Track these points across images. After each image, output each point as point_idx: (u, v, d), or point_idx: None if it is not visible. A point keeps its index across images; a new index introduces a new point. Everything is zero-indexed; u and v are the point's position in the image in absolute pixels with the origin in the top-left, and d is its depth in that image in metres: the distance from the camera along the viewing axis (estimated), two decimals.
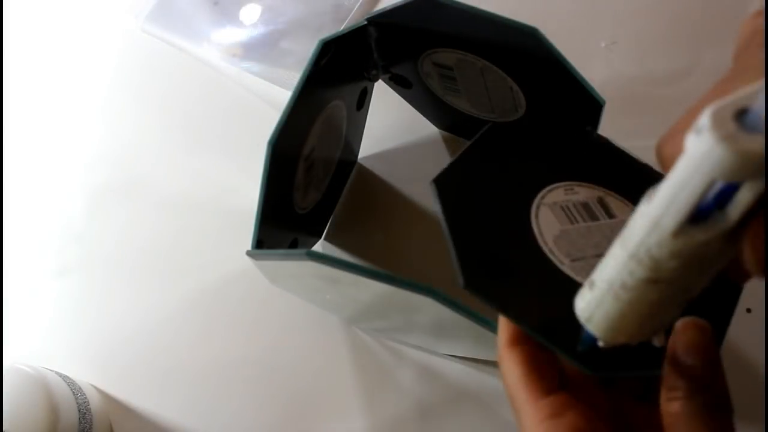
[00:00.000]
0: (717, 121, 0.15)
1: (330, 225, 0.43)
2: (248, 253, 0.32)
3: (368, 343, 0.40)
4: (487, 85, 0.37)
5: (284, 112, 0.32)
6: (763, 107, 0.15)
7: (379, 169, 0.45)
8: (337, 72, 0.36)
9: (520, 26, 0.30)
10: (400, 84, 0.41)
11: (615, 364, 0.24)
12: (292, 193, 0.36)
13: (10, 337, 0.42)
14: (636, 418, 0.25)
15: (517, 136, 0.34)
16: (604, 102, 0.32)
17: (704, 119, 0.16)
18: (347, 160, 0.44)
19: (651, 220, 0.18)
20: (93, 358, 0.41)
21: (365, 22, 0.35)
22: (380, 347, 0.40)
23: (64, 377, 0.37)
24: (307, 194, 0.38)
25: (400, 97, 0.43)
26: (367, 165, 0.45)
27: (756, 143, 0.15)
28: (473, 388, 0.38)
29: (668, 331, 0.23)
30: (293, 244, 0.38)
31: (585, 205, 0.30)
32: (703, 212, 0.18)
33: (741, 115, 0.16)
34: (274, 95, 0.48)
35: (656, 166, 0.28)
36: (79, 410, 0.35)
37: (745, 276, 0.19)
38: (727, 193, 0.17)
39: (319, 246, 0.43)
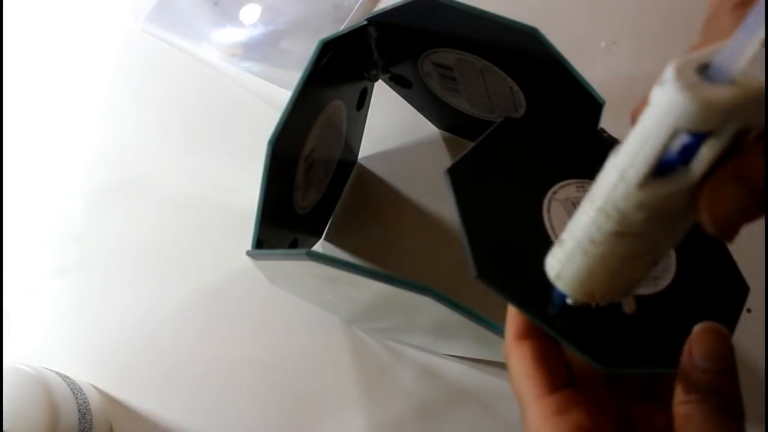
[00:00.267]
0: (680, 73, 0.16)
1: (330, 225, 0.43)
2: (248, 253, 0.32)
3: (368, 343, 0.40)
4: (487, 85, 0.37)
5: (284, 112, 0.32)
6: (724, 61, 0.16)
7: (379, 169, 0.45)
8: (337, 72, 0.36)
9: (520, 26, 0.30)
10: (400, 84, 0.41)
11: (625, 359, 0.24)
12: (292, 193, 0.36)
13: (10, 337, 0.42)
14: (639, 416, 0.25)
15: (529, 132, 0.34)
16: (604, 102, 0.32)
17: (668, 72, 0.16)
18: (347, 160, 0.44)
19: (617, 172, 0.18)
20: (93, 358, 0.41)
21: (365, 22, 0.35)
22: (380, 347, 0.40)
23: (64, 377, 0.37)
24: (307, 194, 0.38)
25: (400, 97, 0.43)
26: (367, 165, 0.45)
27: (718, 93, 0.16)
28: (473, 388, 0.38)
29: (675, 325, 0.24)
30: (293, 244, 0.38)
31: None
32: (668, 166, 0.18)
33: (704, 68, 0.16)
34: (274, 95, 0.48)
35: None
36: (79, 410, 0.35)
37: (725, 233, 0.18)
38: (692, 148, 0.18)
39: (319, 246, 0.43)
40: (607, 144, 0.34)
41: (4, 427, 0.32)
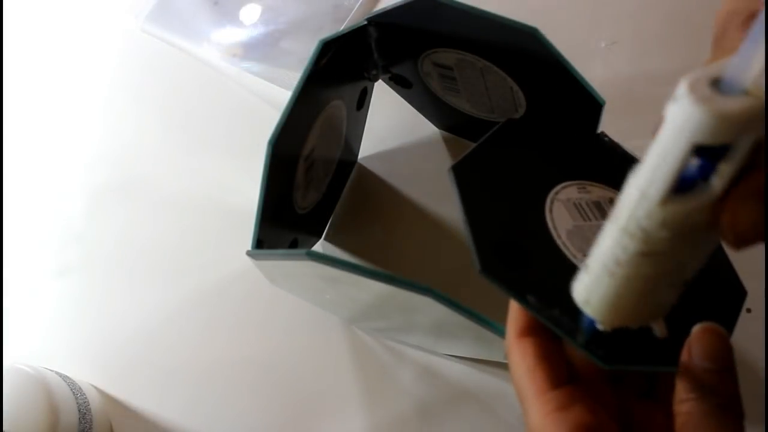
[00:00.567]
0: (693, 87, 0.16)
1: (330, 225, 0.43)
2: (248, 253, 0.32)
3: (368, 343, 0.40)
4: (487, 85, 0.37)
5: (284, 112, 0.32)
6: (734, 72, 0.16)
7: (379, 169, 0.45)
8: (337, 72, 0.36)
9: (520, 26, 0.30)
10: (400, 84, 0.41)
11: (627, 357, 0.24)
12: (292, 193, 0.36)
13: (10, 337, 0.42)
14: (640, 414, 0.25)
15: (532, 133, 0.34)
16: (604, 102, 0.32)
17: (681, 88, 0.16)
18: (347, 160, 0.44)
19: (638, 191, 0.18)
20: (93, 358, 0.41)
21: (365, 22, 0.35)
22: (380, 347, 0.40)
23: (64, 377, 0.37)
24: (307, 194, 0.38)
25: (400, 97, 0.43)
26: (367, 165, 0.45)
27: (732, 104, 0.16)
28: (473, 388, 0.38)
29: (675, 326, 0.24)
30: (293, 244, 0.38)
31: (597, 204, 0.30)
32: (689, 182, 0.18)
33: (716, 82, 0.16)
34: (274, 95, 0.48)
35: None
36: (79, 410, 0.35)
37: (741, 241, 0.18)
38: (711, 163, 0.18)
39: (319, 246, 0.43)
40: (607, 147, 0.34)
41: (4, 427, 0.32)
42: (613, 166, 0.33)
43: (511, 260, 0.27)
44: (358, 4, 0.50)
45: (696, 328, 0.23)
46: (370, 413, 0.38)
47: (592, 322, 0.23)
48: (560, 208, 0.29)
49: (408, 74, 0.39)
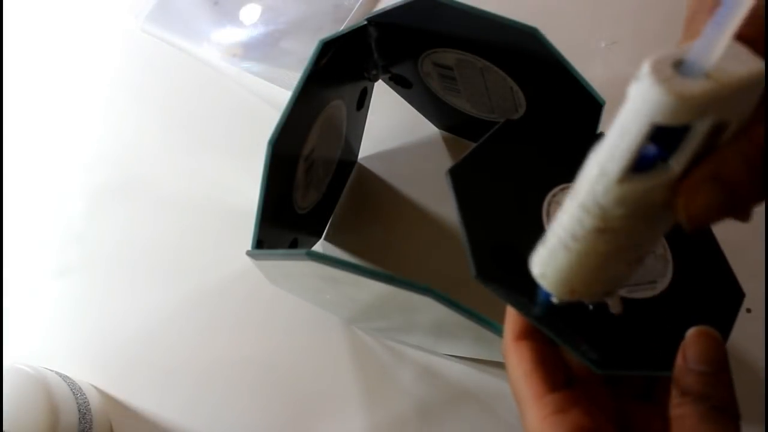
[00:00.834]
0: (655, 68, 0.16)
1: (330, 225, 0.43)
2: (248, 253, 0.32)
3: (368, 343, 0.40)
4: (487, 85, 0.37)
5: (284, 112, 0.32)
6: (696, 55, 0.16)
7: (379, 169, 0.45)
8: (337, 72, 0.36)
9: (520, 26, 0.30)
10: (400, 84, 0.41)
11: (622, 361, 0.25)
12: (292, 193, 0.36)
13: (10, 337, 0.42)
14: (638, 417, 0.25)
15: (531, 134, 0.34)
16: (604, 102, 0.32)
17: (644, 68, 0.16)
18: (347, 160, 0.44)
19: (598, 167, 0.18)
20: (93, 358, 0.41)
21: (365, 22, 0.35)
22: (380, 347, 0.40)
23: (64, 377, 0.37)
24: (307, 194, 0.38)
25: (400, 97, 0.43)
26: (367, 165, 0.45)
27: (692, 86, 0.16)
28: (473, 388, 0.38)
29: (672, 329, 0.24)
30: (293, 244, 0.38)
31: None
32: (648, 162, 0.18)
33: (678, 64, 0.16)
34: (274, 95, 0.48)
35: None
36: (79, 410, 0.35)
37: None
38: (670, 144, 0.18)
39: (319, 246, 0.43)
40: None
41: (4, 427, 0.32)
42: None
43: (506, 264, 0.27)
44: (358, 4, 0.50)
45: (690, 332, 0.23)
46: (370, 413, 0.38)
47: (547, 296, 0.23)
48: (557, 210, 0.29)
49: (408, 74, 0.39)
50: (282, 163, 0.33)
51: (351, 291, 0.31)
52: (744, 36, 0.17)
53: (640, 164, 0.18)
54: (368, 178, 0.45)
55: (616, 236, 0.19)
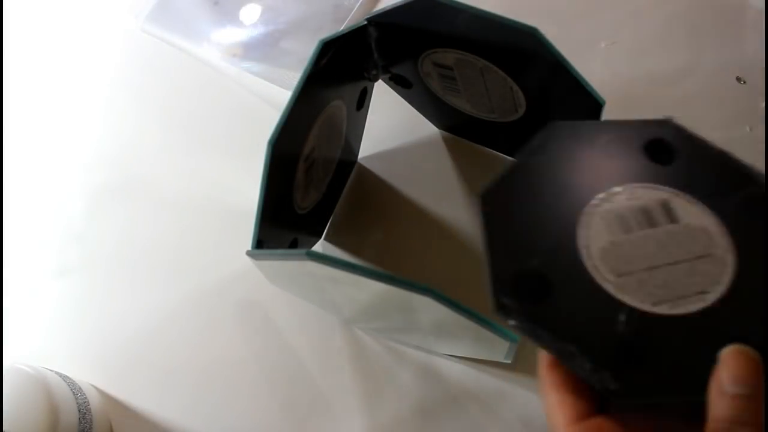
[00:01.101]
0: None
1: (330, 225, 0.43)
2: (248, 253, 0.32)
3: (368, 343, 0.40)
4: (487, 85, 0.37)
5: (284, 112, 0.32)
6: None
7: (379, 169, 0.45)
8: (337, 72, 0.36)
9: (520, 26, 0.30)
10: (400, 84, 0.41)
11: (649, 389, 0.23)
12: (292, 193, 0.36)
13: (10, 337, 0.42)
14: None
15: (580, 137, 0.30)
16: (604, 102, 0.32)
17: None
18: (347, 160, 0.44)
19: None
20: (93, 358, 0.41)
21: (365, 22, 0.35)
22: (380, 347, 0.40)
23: (64, 377, 0.37)
24: (307, 194, 0.38)
25: (400, 97, 0.43)
26: (367, 165, 0.45)
27: None
28: (473, 388, 0.38)
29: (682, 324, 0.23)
30: (293, 244, 0.38)
31: (644, 211, 0.27)
32: None
33: None
34: (274, 95, 0.48)
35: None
36: (79, 410, 0.35)
37: None
38: None
39: (319, 246, 0.43)
40: (673, 139, 0.29)
41: (4, 427, 0.32)
42: (682, 160, 0.29)
43: (530, 292, 0.25)
44: (358, 4, 0.50)
45: (726, 351, 0.22)
46: (370, 413, 0.38)
47: None
48: (598, 223, 0.27)
49: (408, 74, 0.39)
50: (282, 163, 0.33)
51: (351, 291, 0.31)
52: None
53: None
54: (368, 178, 0.45)
55: None
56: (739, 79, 0.42)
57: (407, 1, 0.33)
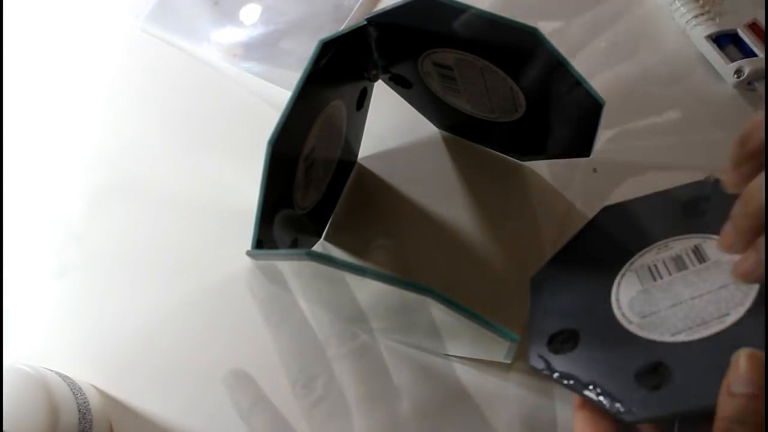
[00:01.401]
0: None
1: (330, 225, 0.43)
2: (248, 253, 0.32)
3: (368, 342, 0.40)
4: (487, 85, 0.37)
5: (284, 112, 0.32)
6: None
7: (379, 169, 0.45)
8: (337, 72, 0.36)
9: (520, 26, 0.30)
10: (400, 84, 0.41)
11: (660, 406, 0.24)
12: (292, 193, 0.36)
13: (10, 337, 0.42)
14: None
15: (629, 217, 0.32)
16: (604, 102, 0.32)
17: None
18: (347, 160, 0.44)
19: None
20: (93, 358, 0.41)
21: (365, 22, 0.35)
22: (380, 347, 0.39)
23: (64, 377, 0.37)
24: (307, 194, 0.38)
25: (400, 97, 0.43)
26: (367, 165, 0.45)
27: None
28: (473, 388, 0.38)
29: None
30: (293, 244, 0.38)
31: (676, 259, 0.28)
32: None
33: None
34: (274, 95, 0.48)
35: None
36: (79, 410, 0.35)
37: None
38: None
39: (319, 246, 0.43)
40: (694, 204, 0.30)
41: (4, 427, 0.32)
42: (716, 206, 0.29)
43: (561, 344, 0.27)
44: (358, 4, 0.50)
45: (736, 354, 0.22)
46: (369, 413, 0.38)
47: None
48: (631, 278, 0.28)
49: (408, 74, 0.39)
50: (282, 163, 0.33)
51: (350, 291, 0.31)
52: None
53: None
54: (368, 178, 0.45)
55: None
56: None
57: (407, 1, 0.33)
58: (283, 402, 0.39)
